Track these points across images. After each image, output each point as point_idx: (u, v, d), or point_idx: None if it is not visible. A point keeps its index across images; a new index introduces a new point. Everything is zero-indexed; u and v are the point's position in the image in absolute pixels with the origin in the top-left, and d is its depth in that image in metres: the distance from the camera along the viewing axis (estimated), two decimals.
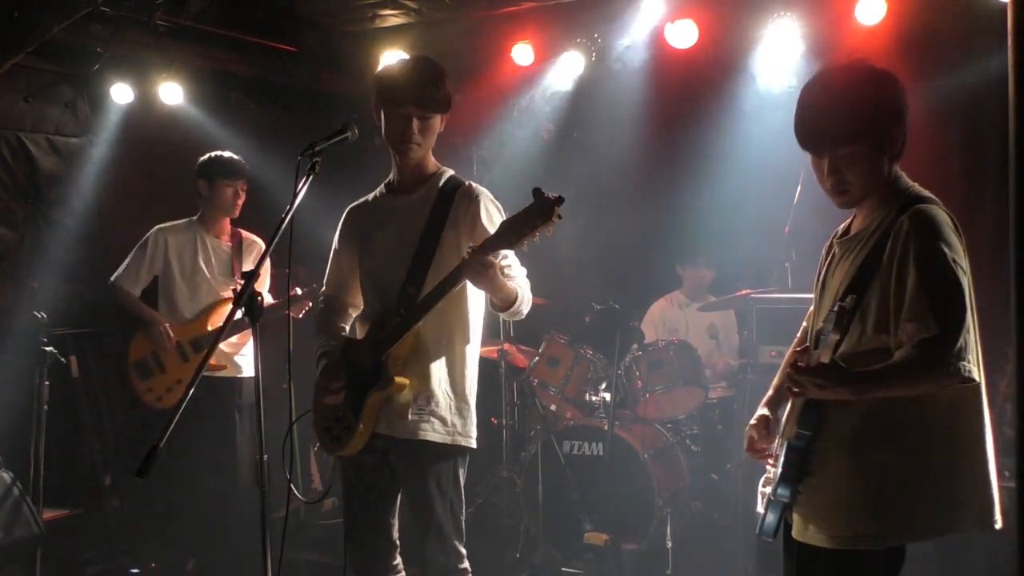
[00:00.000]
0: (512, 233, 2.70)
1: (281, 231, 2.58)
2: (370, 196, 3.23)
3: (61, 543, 4.63)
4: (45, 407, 4.26)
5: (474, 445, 3.09)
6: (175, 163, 4.97)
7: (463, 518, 3.09)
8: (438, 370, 2.99)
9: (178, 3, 4.81)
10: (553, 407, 5.13)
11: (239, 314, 2.46)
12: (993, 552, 3.63)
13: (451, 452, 3.02)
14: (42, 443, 4.24)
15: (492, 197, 3.10)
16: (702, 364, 5.13)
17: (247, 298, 2.45)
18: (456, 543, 3.03)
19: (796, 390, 2.21)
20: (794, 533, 2.36)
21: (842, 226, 2.54)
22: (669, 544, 4.46)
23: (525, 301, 2.99)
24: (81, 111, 5.30)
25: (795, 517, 2.36)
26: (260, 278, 4.59)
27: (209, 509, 4.61)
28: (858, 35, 4.88)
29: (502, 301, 2.92)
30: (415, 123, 2.95)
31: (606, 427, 4.65)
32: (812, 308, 2.62)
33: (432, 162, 3.12)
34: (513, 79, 5.83)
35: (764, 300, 4.55)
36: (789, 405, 2.32)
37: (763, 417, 2.56)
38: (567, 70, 5.70)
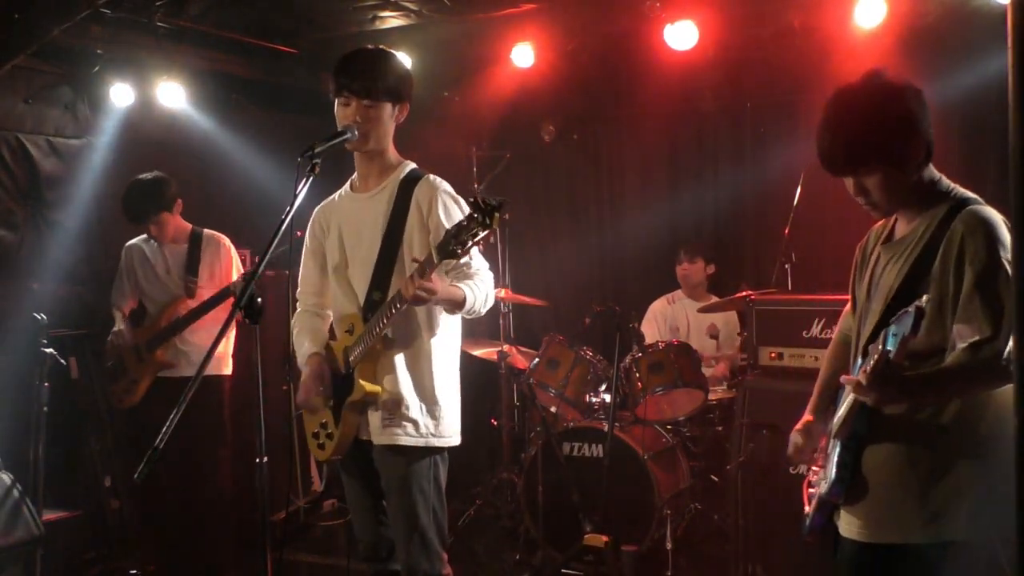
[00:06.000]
0: (455, 244, 2.59)
1: (281, 232, 2.58)
2: (336, 195, 3.18)
3: (61, 544, 4.62)
4: (45, 408, 4.25)
5: (453, 443, 3.04)
6: (175, 165, 4.96)
7: (445, 523, 3.05)
8: (403, 373, 2.95)
9: (178, 4, 4.79)
10: (553, 408, 5.12)
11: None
12: (994, 553, 3.62)
13: (427, 454, 2.97)
14: (42, 445, 4.23)
15: (451, 190, 3.00)
16: (702, 365, 5.12)
17: (247, 299, 2.45)
18: (439, 548, 2.99)
19: (863, 398, 2.21)
20: (843, 531, 2.38)
21: (876, 227, 2.56)
22: (669, 545, 4.46)
23: (481, 300, 2.90)
24: (81, 113, 5.29)
25: (845, 515, 2.38)
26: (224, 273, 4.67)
27: (192, 512, 4.63)
28: (858, 36, 4.88)
29: (453, 308, 2.88)
30: (359, 109, 2.88)
31: (606, 428, 4.65)
32: (848, 307, 2.62)
33: (394, 156, 3.05)
34: (513, 80, 5.83)
35: (764, 301, 4.54)
36: (844, 405, 2.33)
37: (808, 423, 2.58)
38: (565, 71, 5.69)
